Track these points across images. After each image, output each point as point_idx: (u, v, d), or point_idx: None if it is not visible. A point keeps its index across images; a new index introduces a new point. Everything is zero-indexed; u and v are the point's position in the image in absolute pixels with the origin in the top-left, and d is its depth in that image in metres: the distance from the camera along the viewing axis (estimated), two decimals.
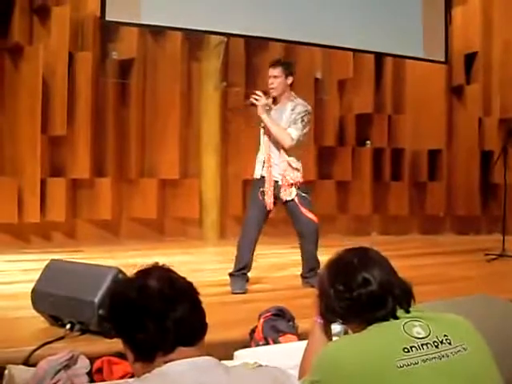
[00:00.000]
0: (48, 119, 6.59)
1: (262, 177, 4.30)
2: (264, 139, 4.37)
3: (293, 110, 4.30)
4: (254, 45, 7.48)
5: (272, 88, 4.31)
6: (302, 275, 4.46)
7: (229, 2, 6.62)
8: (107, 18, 6.02)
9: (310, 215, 4.25)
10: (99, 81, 6.90)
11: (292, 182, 4.23)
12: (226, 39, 7.18)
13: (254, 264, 4.38)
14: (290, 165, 4.25)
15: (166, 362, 1.38)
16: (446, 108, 8.39)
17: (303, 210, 4.23)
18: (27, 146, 6.48)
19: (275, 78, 4.30)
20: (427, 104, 8.22)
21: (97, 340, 2.90)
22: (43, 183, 6.57)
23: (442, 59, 7.94)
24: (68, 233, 6.86)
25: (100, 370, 2.61)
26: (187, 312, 1.41)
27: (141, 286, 1.43)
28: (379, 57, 8.03)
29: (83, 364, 2.56)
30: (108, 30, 6.85)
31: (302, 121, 4.30)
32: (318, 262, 4.28)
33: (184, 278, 1.49)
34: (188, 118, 7.34)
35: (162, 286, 1.42)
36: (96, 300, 2.90)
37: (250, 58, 7.55)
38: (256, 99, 4.25)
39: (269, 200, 4.23)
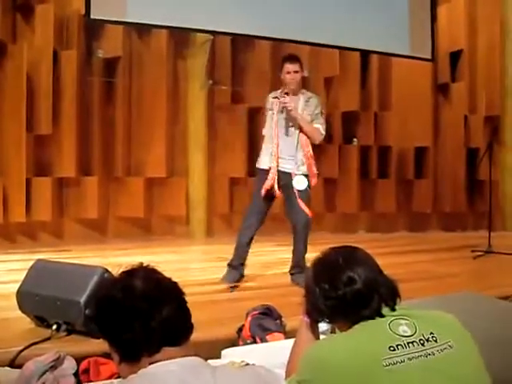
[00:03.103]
0: (33, 118, 6.54)
1: (269, 168, 4.40)
2: (278, 133, 4.41)
3: (307, 101, 4.50)
4: (241, 43, 7.47)
5: (293, 83, 4.44)
6: (289, 271, 4.55)
7: (215, 0, 6.61)
8: (92, 16, 5.98)
9: (306, 209, 4.37)
10: (85, 79, 6.84)
11: (305, 173, 4.42)
12: (212, 37, 7.16)
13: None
14: (308, 157, 4.42)
15: (152, 363, 1.37)
16: (432, 105, 8.43)
17: (300, 202, 4.35)
18: (12, 145, 6.43)
19: (296, 73, 4.45)
20: (413, 101, 8.25)
21: (83, 340, 2.88)
22: (29, 182, 6.52)
23: (428, 57, 7.98)
24: (54, 232, 6.81)
25: (87, 371, 2.61)
26: (172, 312, 1.41)
27: (126, 287, 1.43)
28: (365, 54, 8.04)
29: (70, 364, 2.55)
30: (93, 28, 6.80)
31: (322, 114, 4.61)
32: (303, 260, 4.38)
33: (169, 279, 1.49)
34: (174, 117, 7.31)
35: (147, 287, 1.42)
36: (82, 300, 2.88)
37: (237, 56, 7.54)
38: (287, 104, 4.36)
39: (274, 189, 4.37)
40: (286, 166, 4.39)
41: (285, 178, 4.38)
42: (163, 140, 7.12)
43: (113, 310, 1.42)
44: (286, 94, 4.40)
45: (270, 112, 4.49)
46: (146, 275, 1.46)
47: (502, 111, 8.45)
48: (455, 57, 8.52)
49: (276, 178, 4.35)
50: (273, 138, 4.41)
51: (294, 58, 4.53)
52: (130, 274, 1.47)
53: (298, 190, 4.36)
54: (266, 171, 4.42)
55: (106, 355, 2.69)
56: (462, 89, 8.42)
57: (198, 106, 7.31)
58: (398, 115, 8.27)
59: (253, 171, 7.56)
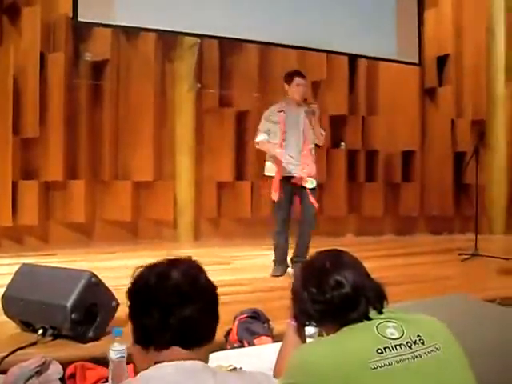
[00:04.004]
0: (20, 121, 6.50)
1: (284, 174, 5.01)
2: (292, 140, 5.03)
3: (313, 112, 5.07)
4: (228, 46, 7.46)
5: (301, 95, 5.07)
6: (291, 259, 5.12)
7: (203, 4, 6.60)
8: (79, 19, 5.96)
9: (315, 203, 5.04)
10: (72, 82, 6.81)
11: (314, 174, 5.06)
12: (199, 40, 7.15)
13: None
14: (314, 161, 5.09)
15: (156, 363, 1.35)
16: (419, 109, 8.47)
17: (312, 199, 5.00)
18: None
19: (304, 86, 5.14)
20: (401, 105, 8.29)
21: (70, 345, 2.87)
22: (15, 186, 6.47)
23: (415, 61, 8.02)
24: (41, 236, 6.77)
25: (73, 376, 2.58)
26: (195, 314, 1.38)
27: (162, 274, 1.42)
28: (353, 58, 8.07)
29: (56, 370, 2.52)
30: (81, 31, 6.77)
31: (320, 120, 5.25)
32: (307, 251, 4.93)
33: (209, 280, 1.46)
34: (162, 120, 7.29)
35: (180, 281, 1.40)
36: (68, 304, 2.87)
37: (224, 59, 7.53)
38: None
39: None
40: (297, 171, 4.97)
41: (297, 182, 4.99)
42: (150, 143, 7.11)
43: (141, 291, 1.42)
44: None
45: (277, 126, 5.00)
46: (186, 270, 1.44)
47: (488, 116, 8.51)
48: (442, 61, 8.57)
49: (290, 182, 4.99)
50: (282, 147, 4.95)
51: (303, 74, 5.14)
52: (172, 263, 1.45)
53: (310, 189, 4.99)
54: (285, 177, 4.99)
55: (93, 360, 2.68)
56: (449, 93, 8.47)
57: (185, 109, 7.30)
58: (386, 119, 8.30)
59: (240, 175, 7.61)
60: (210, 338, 1.44)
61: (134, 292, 1.44)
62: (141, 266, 1.45)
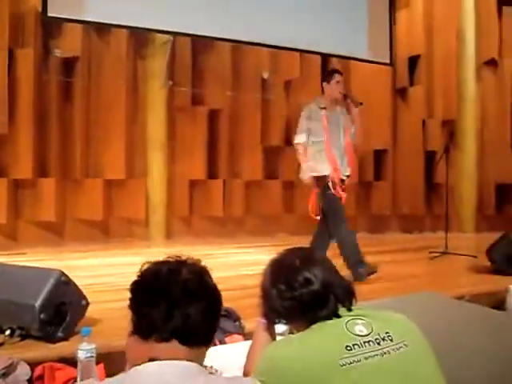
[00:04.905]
0: None
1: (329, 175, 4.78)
2: (342, 140, 4.89)
3: (344, 114, 4.93)
4: (201, 44, 7.43)
5: (341, 91, 4.90)
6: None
7: (176, 1, 6.57)
8: (49, 14, 5.87)
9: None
10: (42, 79, 6.71)
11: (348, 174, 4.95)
12: (172, 38, 7.11)
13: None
14: (354, 160, 5.07)
15: (150, 359, 1.36)
16: (390, 109, 8.55)
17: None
18: None
19: (342, 83, 4.98)
20: (372, 105, 8.32)
21: (38, 345, 2.82)
22: None
23: (387, 61, 8.09)
24: (10, 235, 6.65)
25: (41, 377, 2.55)
26: (199, 313, 1.42)
27: (172, 270, 1.46)
28: (326, 57, 8.10)
29: (23, 371, 2.48)
30: (50, 27, 6.67)
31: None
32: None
33: (215, 284, 1.51)
34: (134, 118, 7.23)
35: (189, 278, 1.45)
36: (37, 304, 2.82)
37: (197, 57, 7.50)
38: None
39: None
40: (341, 171, 4.83)
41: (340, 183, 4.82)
42: (122, 141, 7.05)
43: (150, 282, 1.45)
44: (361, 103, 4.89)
45: (320, 124, 4.80)
46: (195, 270, 1.49)
47: (458, 116, 8.62)
48: (413, 62, 8.67)
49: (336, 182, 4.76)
50: (325, 146, 4.76)
51: (340, 71, 5.08)
52: (183, 261, 1.50)
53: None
54: (326, 177, 4.75)
55: (62, 360, 2.64)
56: (420, 93, 8.57)
57: (157, 106, 7.25)
58: (358, 118, 8.33)
59: (213, 173, 7.59)
60: (208, 340, 1.48)
61: (142, 283, 1.47)
62: (149, 262, 1.50)
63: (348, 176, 4.90)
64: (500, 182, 8.63)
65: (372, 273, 4.64)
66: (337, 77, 4.90)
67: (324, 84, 4.97)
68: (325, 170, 4.76)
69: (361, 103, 4.89)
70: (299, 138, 4.90)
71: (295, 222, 8.12)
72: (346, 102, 4.94)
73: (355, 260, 4.64)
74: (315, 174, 4.80)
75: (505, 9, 8.72)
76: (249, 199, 7.80)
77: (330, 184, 4.70)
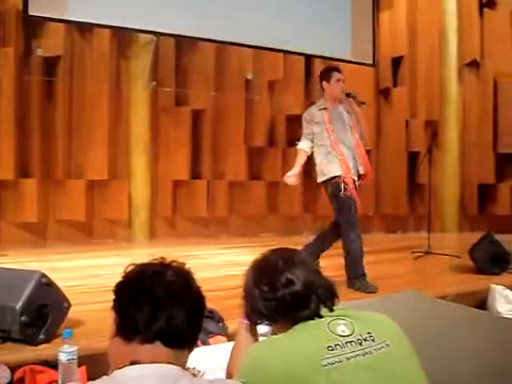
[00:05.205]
0: None
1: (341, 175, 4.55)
2: (351, 138, 4.68)
3: (348, 112, 4.75)
4: (185, 44, 7.41)
5: (342, 90, 4.70)
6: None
7: (159, 1, 6.55)
8: (30, 13, 5.81)
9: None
10: (23, 78, 6.64)
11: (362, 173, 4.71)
12: (155, 38, 7.09)
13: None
14: (365, 157, 4.76)
15: (132, 363, 1.35)
16: (374, 110, 8.58)
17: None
18: None
19: (343, 81, 4.73)
20: None
21: (19, 348, 2.79)
22: None
23: (370, 62, 8.13)
24: None
25: (22, 380, 2.52)
26: (183, 315, 1.42)
27: (158, 271, 1.46)
28: (309, 58, 8.12)
29: (3, 374, 2.46)
30: (32, 26, 6.60)
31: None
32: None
33: (199, 288, 1.51)
34: (117, 118, 7.19)
35: (174, 280, 1.45)
36: (18, 306, 2.79)
37: (181, 57, 7.48)
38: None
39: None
40: (353, 171, 4.60)
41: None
42: (105, 142, 7.00)
43: (135, 283, 1.45)
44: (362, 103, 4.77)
45: (323, 125, 4.62)
46: (180, 273, 1.49)
47: (441, 116, 8.69)
48: (397, 62, 8.71)
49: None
50: (333, 147, 4.56)
51: (339, 68, 4.82)
52: (167, 263, 1.51)
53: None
54: (339, 178, 4.52)
55: (43, 363, 2.61)
56: (403, 94, 8.62)
57: (140, 107, 7.22)
58: None
59: (196, 174, 7.57)
60: (192, 342, 1.47)
61: (127, 284, 1.47)
62: (133, 264, 1.50)
63: (360, 176, 4.67)
64: (482, 182, 8.70)
65: (371, 292, 4.31)
66: (336, 75, 4.69)
67: (324, 83, 4.73)
68: (336, 170, 4.53)
69: (363, 103, 4.76)
70: (300, 144, 4.74)
71: (279, 222, 8.14)
72: (348, 101, 4.74)
73: (355, 275, 4.51)
74: (326, 177, 4.60)
75: (486, 11, 8.81)
76: (232, 200, 7.79)
77: (342, 186, 4.47)
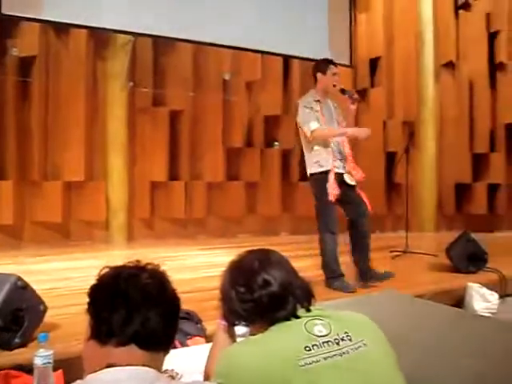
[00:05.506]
0: None
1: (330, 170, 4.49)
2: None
3: (335, 107, 4.77)
4: (162, 45, 7.38)
5: (338, 83, 4.62)
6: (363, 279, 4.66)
7: (137, 2, 6.51)
8: (3, 12, 5.74)
9: (366, 201, 4.79)
10: None
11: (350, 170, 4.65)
12: (133, 38, 7.04)
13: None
14: (351, 155, 4.72)
15: (108, 366, 1.33)
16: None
17: (362, 194, 4.75)
18: None
19: (339, 75, 4.67)
20: None
21: None
22: None
23: (347, 63, 8.17)
24: None
25: None
26: (159, 317, 1.40)
27: (132, 274, 1.45)
28: (287, 59, 8.13)
29: None
30: (7, 25, 6.51)
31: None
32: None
33: (174, 290, 1.50)
34: (93, 119, 7.13)
35: (149, 283, 1.44)
36: None
37: (158, 58, 7.44)
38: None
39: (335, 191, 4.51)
40: (340, 166, 4.56)
41: (338, 178, 4.52)
42: (81, 143, 6.93)
43: (110, 286, 1.43)
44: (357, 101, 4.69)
45: (319, 115, 4.51)
46: (154, 273, 1.48)
47: (417, 117, 8.76)
48: (374, 63, 8.77)
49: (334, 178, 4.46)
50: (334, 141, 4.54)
51: (335, 63, 4.68)
52: (142, 266, 1.49)
53: (353, 185, 4.65)
54: (328, 172, 4.48)
55: (19, 368, 2.57)
56: (381, 94, 8.68)
57: (117, 107, 7.17)
58: None
59: (174, 175, 7.53)
60: (167, 345, 1.46)
61: (101, 287, 1.45)
62: (108, 266, 1.48)
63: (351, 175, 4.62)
64: (459, 181, 8.79)
65: (350, 292, 4.29)
66: (333, 68, 4.56)
67: (319, 75, 4.57)
68: (330, 163, 4.47)
69: (359, 100, 4.68)
70: (313, 125, 4.43)
71: (257, 223, 8.13)
72: (343, 97, 4.66)
73: (334, 274, 4.50)
74: (321, 169, 4.48)
75: (461, 13, 8.90)
76: (210, 200, 7.77)
77: (331, 177, 4.42)
